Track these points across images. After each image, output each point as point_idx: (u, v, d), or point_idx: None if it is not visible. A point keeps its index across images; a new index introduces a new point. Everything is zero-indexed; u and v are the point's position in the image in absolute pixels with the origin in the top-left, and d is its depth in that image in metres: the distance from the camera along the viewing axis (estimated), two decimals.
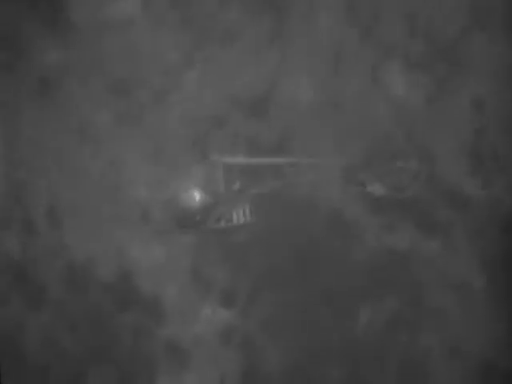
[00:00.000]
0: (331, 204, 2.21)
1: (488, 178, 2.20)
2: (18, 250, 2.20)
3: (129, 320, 2.19)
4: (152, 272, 2.19)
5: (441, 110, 2.19)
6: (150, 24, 2.19)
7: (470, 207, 2.21)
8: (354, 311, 2.20)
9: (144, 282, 2.19)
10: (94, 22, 2.19)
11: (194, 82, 2.20)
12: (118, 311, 2.18)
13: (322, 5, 2.19)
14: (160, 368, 2.18)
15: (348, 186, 2.18)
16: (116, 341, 2.18)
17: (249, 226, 2.18)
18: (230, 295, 2.18)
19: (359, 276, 2.21)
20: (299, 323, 2.19)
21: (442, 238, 2.21)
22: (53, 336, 2.20)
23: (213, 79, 2.20)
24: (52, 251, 2.20)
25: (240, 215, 2.16)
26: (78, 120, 2.21)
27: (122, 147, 2.20)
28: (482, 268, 2.18)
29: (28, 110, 2.21)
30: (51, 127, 2.21)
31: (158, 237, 2.17)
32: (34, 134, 2.21)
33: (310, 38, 2.20)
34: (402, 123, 2.19)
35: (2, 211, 2.22)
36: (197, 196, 2.16)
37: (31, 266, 2.20)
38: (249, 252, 2.19)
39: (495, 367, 2.16)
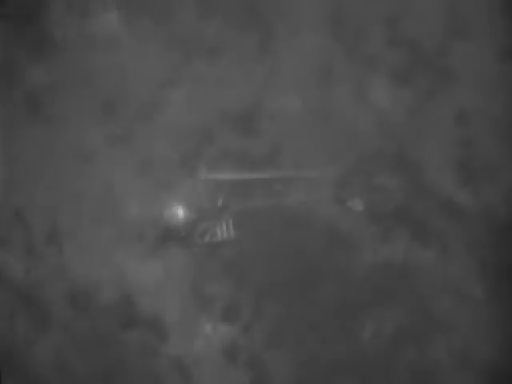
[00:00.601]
0: (325, 216, 2.22)
1: (479, 188, 2.20)
2: (21, 274, 2.23)
3: (133, 340, 2.21)
4: (153, 290, 2.21)
5: (427, 122, 2.19)
6: (135, 42, 2.21)
7: (463, 216, 2.21)
8: (359, 323, 2.21)
9: (146, 301, 2.21)
10: (80, 41, 2.22)
11: (182, 98, 2.22)
12: (122, 332, 2.20)
13: (307, 19, 2.21)
14: None
15: (336, 200, 2.19)
16: (122, 361, 2.20)
17: (243, 242, 2.19)
18: (232, 310, 2.20)
19: (361, 287, 2.22)
20: (302, 337, 2.20)
21: (439, 248, 2.21)
22: (61, 358, 2.22)
23: (200, 95, 2.22)
24: (54, 274, 2.23)
25: (223, 230, 2.19)
26: (71, 141, 2.24)
27: (117, 167, 2.23)
28: (481, 275, 2.18)
29: (22, 133, 2.25)
30: (46, 149, 2.24)
31: (154, 255, 2.20)
32: (31, 156, 2.25)
33: (296, 52, 2.21)
34: (388, 136, 2.20)
35: (3, 234, 2.25)
36: (181, 212, 2.18)
37: (35, 290, 2.23)
38: (248, 267, 2.21)
39: (505, 374, 2.16)
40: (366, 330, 2.17)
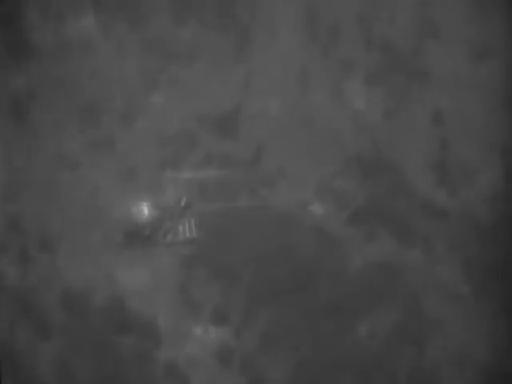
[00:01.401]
0: (305, 218, 2.23)
1: (457, 188, 2.22)
2: (18, 280, 2.23)
3: (128, 344, 2.20)
4: (144, 294, 2.21)
5: (403, 123, 2.22)
6: (112, 47, 2.23)
7: (444, 217, 2.23)
8: (351, 323, 2.21)
9: (137, 303, 2.21)
10: (57, 46, 2.23)
11: (161, 102, 2.23)
12: (116, 337, 2.20)
13: (283, 21, 2.23)
14: None
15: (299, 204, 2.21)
16: (117, 366, 2.20)
17: (208, 241, 2.20)
18: (223, 313, 2.20)
19: (350, 289, 2.22)
20: (295, 338, 2.20)
21: (423, 248, 2.23)
22: (59, 363, 2.22)
23: (179, 99, 2.23)
24: (48, 279, 2.22)
25: (186, 229, 2.20)
26: (55, 148, 2.24)
27: (99, 172, 2.23)
28: (467, 274, 2.20)
29: (9, 140, 2.24)
30: (33, 156, 2.24)
31: (143, 257, 2.20)
32: (19, 163, 2.25)
33: (273, 54, 2.24)
34: (365, 138, 2.22)
35: None
36: (146, 211, 2.19)
37: (30, 295, 2.23)
38: (238, 269, 2.21)
39: (497, 370, 2.17)
40: (360, 331, 2.18)
